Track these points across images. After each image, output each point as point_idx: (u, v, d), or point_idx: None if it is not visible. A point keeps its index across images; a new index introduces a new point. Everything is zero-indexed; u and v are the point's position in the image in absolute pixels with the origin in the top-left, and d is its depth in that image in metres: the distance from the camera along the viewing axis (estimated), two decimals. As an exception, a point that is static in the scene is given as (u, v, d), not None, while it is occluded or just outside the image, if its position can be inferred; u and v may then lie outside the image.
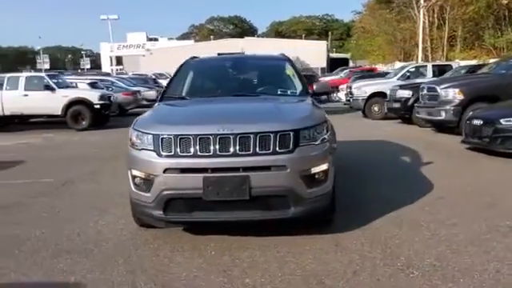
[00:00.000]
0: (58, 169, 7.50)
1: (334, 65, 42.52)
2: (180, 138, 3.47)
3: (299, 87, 4.88)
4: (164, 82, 29.55)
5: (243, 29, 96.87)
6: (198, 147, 3.44)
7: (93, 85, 16.24)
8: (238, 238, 3.88)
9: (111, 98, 14.17)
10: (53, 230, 4.34)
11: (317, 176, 3.66)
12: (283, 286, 3.06)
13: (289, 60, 5.36)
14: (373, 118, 14.37)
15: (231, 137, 3.43)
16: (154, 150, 3.53)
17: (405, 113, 12.60)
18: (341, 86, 19.24)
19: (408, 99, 12.37)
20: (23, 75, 13.82)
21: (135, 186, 3.72)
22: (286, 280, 3.14)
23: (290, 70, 5.17)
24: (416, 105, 11.46)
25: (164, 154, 3.49)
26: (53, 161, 8.38)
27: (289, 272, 3.25)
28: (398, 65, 26.44)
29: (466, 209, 4.61)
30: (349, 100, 16.25)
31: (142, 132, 3.68)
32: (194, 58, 5.66)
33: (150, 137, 3.58)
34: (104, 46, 60.30)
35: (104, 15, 45.02)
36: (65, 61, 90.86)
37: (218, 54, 5.96)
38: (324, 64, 46.32)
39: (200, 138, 3.45)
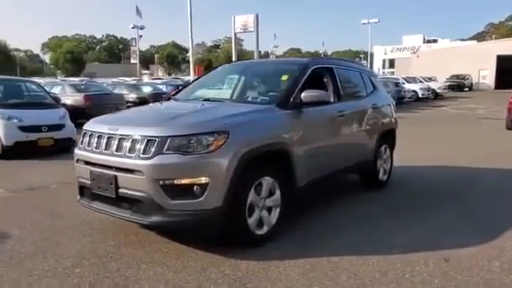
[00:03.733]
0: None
1: None
2: (90, 134, 3.88)
3: (276, 95, 4.35)
4: (412, 86, 27.87)
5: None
6: (95, 143, 3.77)
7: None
8: (169, 242, 3.86)
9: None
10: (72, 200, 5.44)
11: (192, 188, 3.37)
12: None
13: (303, 65, 4.67)
14: None
15: (114, 137, 3.60)
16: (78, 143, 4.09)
17: None
18: None
19: None
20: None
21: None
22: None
23: (286, 77, 4.60)
24: None
25: (79, 146, 3.99)
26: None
27: (132, 279, 3.16)
28: None
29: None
30: None
31: None
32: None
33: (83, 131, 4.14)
34: (377, 49, 61.17)
35: (365, 19, 45.65)
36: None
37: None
38: None
39: (98, 136, 3.77)
